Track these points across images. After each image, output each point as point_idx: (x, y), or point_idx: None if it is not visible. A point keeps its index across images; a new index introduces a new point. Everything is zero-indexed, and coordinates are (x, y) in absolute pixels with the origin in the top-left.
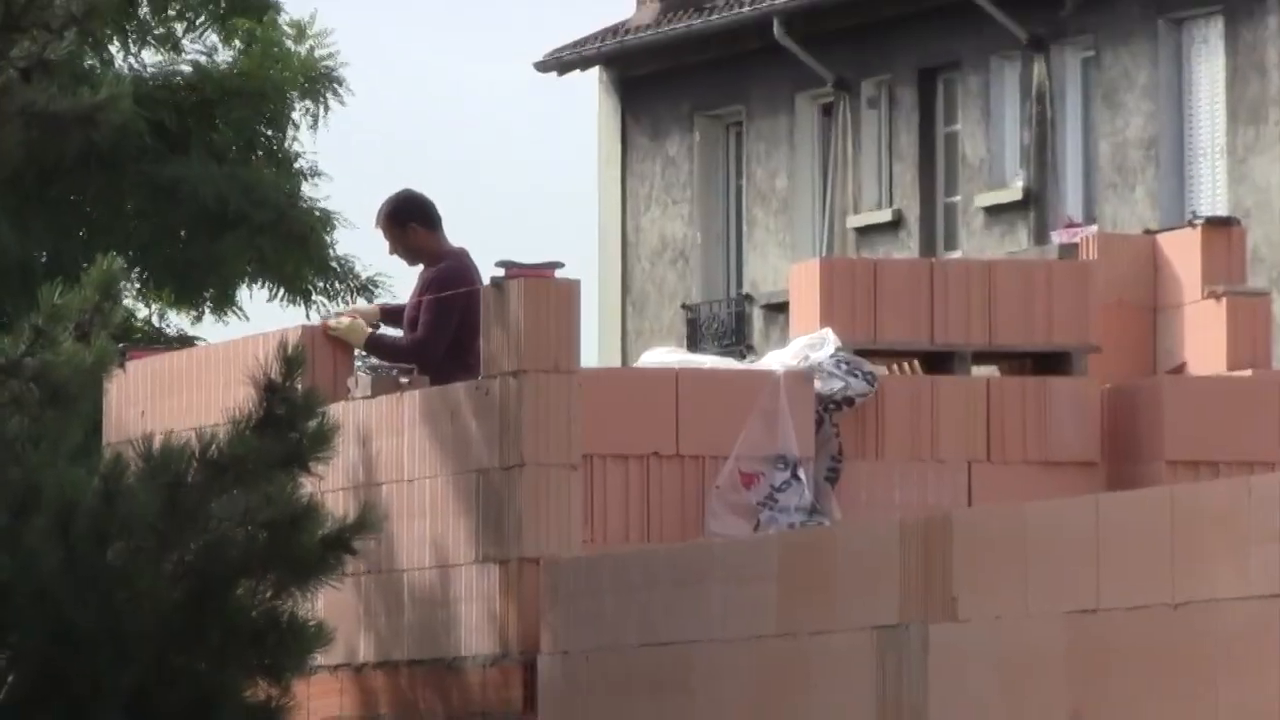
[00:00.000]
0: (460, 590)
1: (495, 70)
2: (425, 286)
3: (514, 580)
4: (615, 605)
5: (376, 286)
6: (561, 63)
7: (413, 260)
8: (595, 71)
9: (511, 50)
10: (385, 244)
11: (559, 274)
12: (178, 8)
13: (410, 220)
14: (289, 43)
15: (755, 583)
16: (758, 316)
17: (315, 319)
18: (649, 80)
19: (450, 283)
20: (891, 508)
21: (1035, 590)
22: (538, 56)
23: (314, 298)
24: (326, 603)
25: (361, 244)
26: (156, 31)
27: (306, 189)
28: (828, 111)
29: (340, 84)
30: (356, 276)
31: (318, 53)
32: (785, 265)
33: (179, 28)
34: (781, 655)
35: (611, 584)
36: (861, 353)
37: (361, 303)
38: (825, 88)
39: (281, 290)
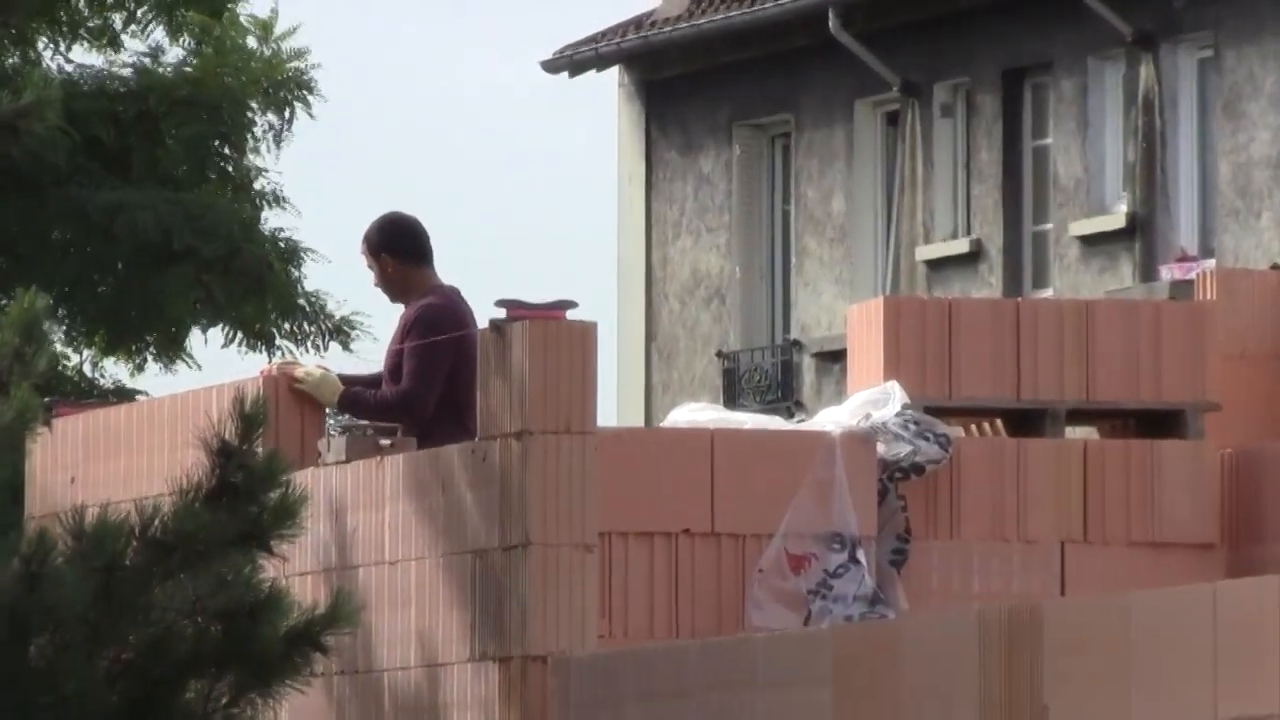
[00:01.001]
0: (452, 694)
1: (494, 71)
2: (407, 328)
3: (516, 683)
4: (638, 714)
5: (352, 329)
6: (574, 62)
7: (394, 296)
8: (614, 72)
9: (514, 46)
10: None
11: (571, 315)
12: None
13: (391, 249)
14: (250, 41)
15: (806, 687)
16: (808, 367)
17: (274, 364)
18: (678, 83)
19: (437, 323)
20: (969, 597)
21: (1141, 699)
22: (546, 54)
23: (278, 342)
24: (292, 709)
25: (334, 279)
26: (91, 23)
27: (268, 217)
28: (893, 121)
29: (310, 90)
30: (329, 317)
31: (284, 52)
32: (842, 305)
33: (118, 19)
34: None
35: (633, 688)
36: (933, 411)
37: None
38: (890, 93)
39: (239, 335)
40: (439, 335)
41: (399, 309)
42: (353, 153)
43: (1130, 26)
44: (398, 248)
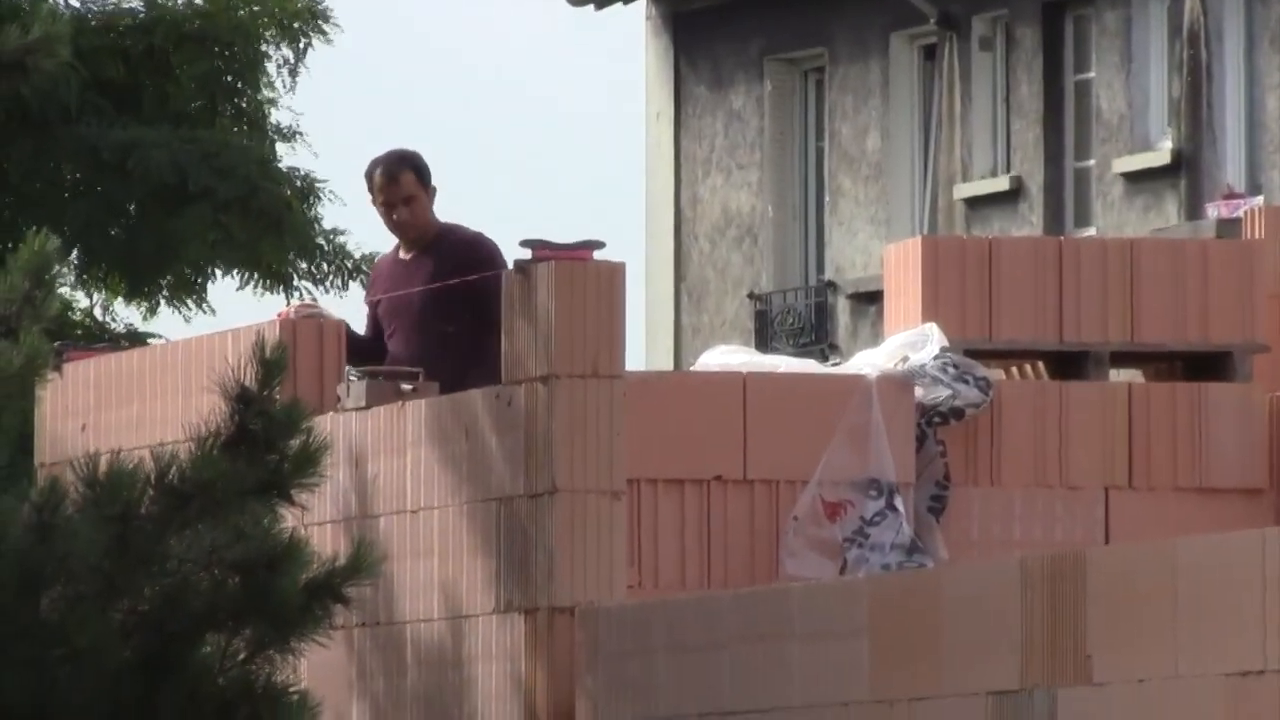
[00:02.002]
0: (476, 647)
1: (517, 4)
2: (476, 265)
3: (543, 635)
4: (668, 666)
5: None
6: None
7: (423, 232)
8: (641, 4)
9: None
10: (379, 208)
11: (598, 255)
12: None
13: (425, 181)
14: None
15: (842, 638)
16: (843, 309)
17: (293, 306)
18: (708, 16)
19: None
20: (1010, 545)
21: (1188, 647)
22: None
23: (296, 284)
24: (312, 664)
25: (351, 219)
26: None
27: (283, 154)
28: (930, 55)
29: (325, 21)
30: (349, 255)
31: None
32: (878, 245)
33: None
34: None
35: (664, 640)
36: (973, 353)
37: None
38: (927, 25)
39: (254, 277)
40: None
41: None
42: (369, 89)
43: None
44: (426, 178)
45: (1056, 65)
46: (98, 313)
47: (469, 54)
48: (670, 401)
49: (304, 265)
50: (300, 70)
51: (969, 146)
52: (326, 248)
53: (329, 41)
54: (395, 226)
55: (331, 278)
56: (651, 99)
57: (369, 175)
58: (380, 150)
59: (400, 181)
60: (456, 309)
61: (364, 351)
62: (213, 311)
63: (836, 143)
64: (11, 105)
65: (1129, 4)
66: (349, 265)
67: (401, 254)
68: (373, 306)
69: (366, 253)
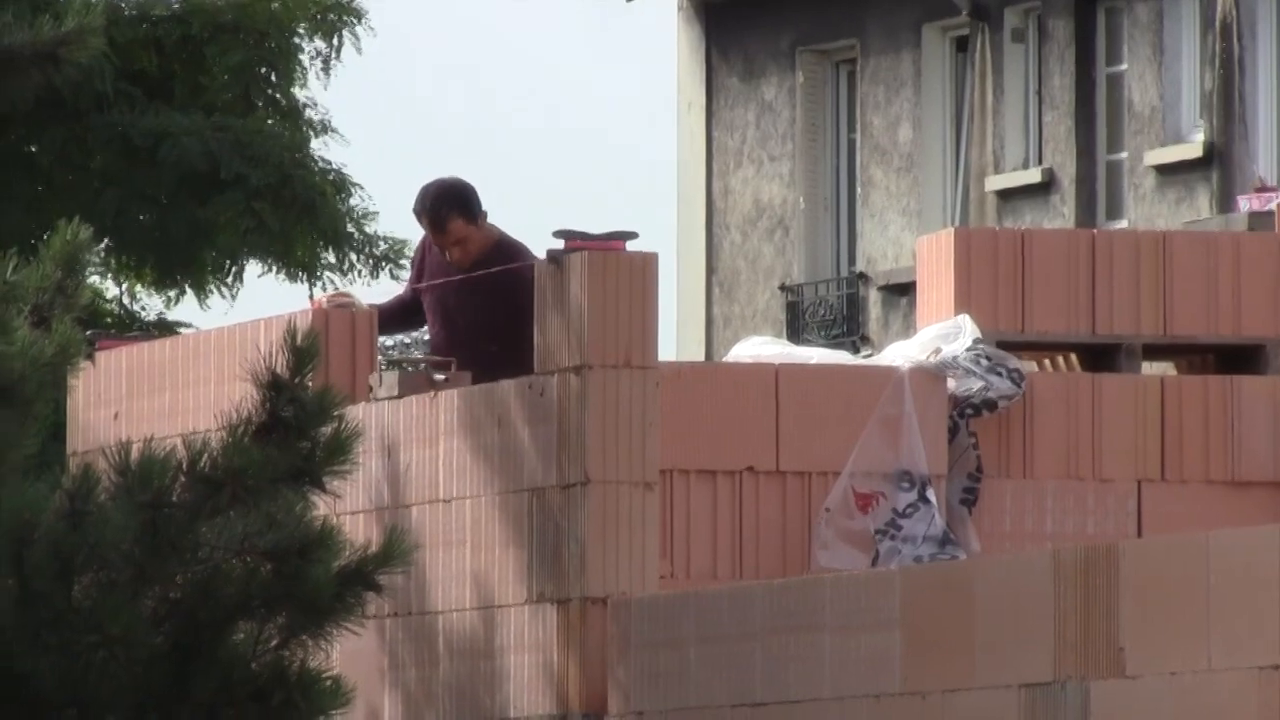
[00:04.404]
0: (508, 638)
1: None
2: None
3: (575, 625)
4: (700, 657)
5: (399, 258)
6: None
7: (463, 265)
8: None
9: None
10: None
11: (631, 246)
12: None
13: (472, 215)
14: None
15: (874, 630)
16: (875, 300)
17: (325, 295)
18: (740, 6)
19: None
20: (1043, 537)
21: (1220, 640)
22: None
23: (320, 274)
24: (344, 654)
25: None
26: None
27: (315, 147)
28: (962, 47)
29: (359, 20)
30: (376, 245)
31: None
32: (910, 237)
33: None
34: (907, 719)
35: (696, 631)
36: (1006, 345)
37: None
38: (959, 17)
39: (277, 266)
40: None
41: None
42: (399, 79)
43: None
44: (465, 207)
45: (1089, 57)
46: (125, 300)
47: (500, 44)
48: (703, 392)
49: (329, 256)
50: (334, 65)
51: (1001, 138)
52: (357, 236)
53: (359, 51)
54: (452, 262)
55: (360, 269)
56: (683, 90)
57: (417, 215)
58: (414, 147)
59: (448, 230)
60: (499, 328)
61: (394, 318)
62: (233, 298)
63: (868, 134)
64: (44, 94)
65: None
66: (375, 255)
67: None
68: (414, 287)
69: (394, 242)
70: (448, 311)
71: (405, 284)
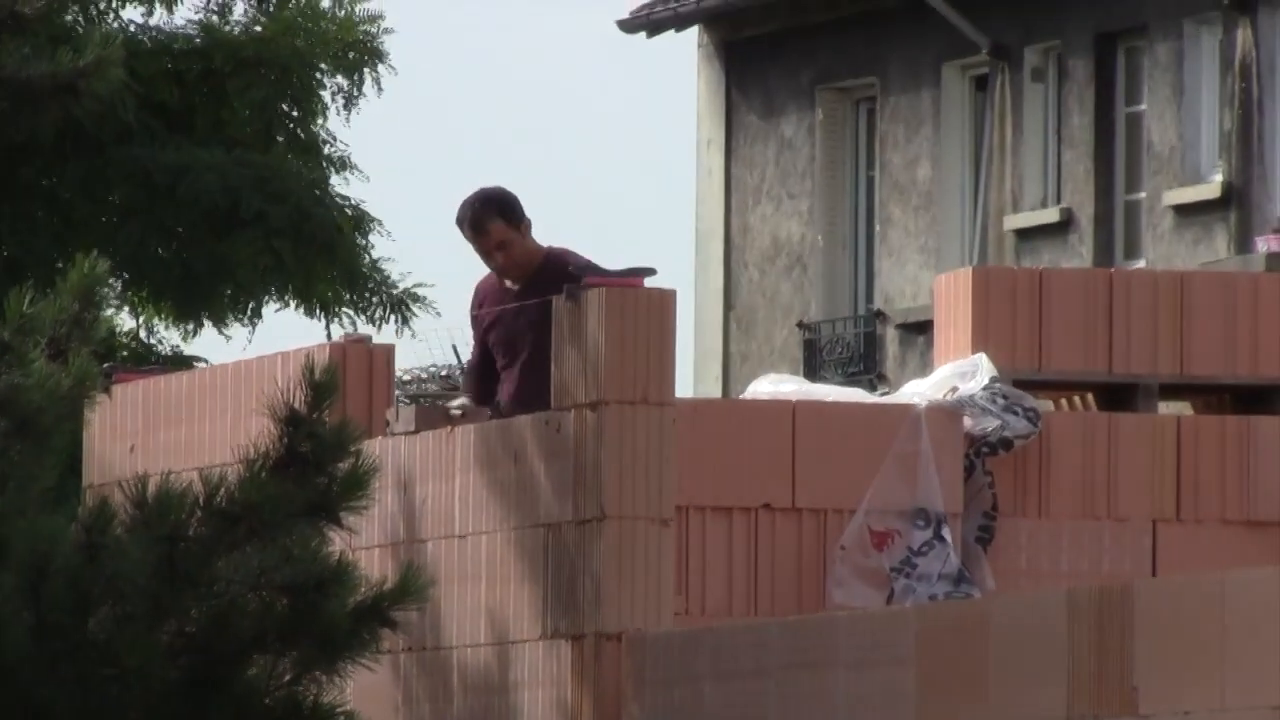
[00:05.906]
0: (523, 673)
1: (569, 30)
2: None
3: (590, 661)
4: (715, 694)
5: (415, 301)
6: (652, 21)
7: (509, 274)
8: (693, 32)
9: (589, 5)
10: (479, 251)
11: (649, 283)
12: None
13: (514, 220)
14: (323, 0)
15: (888, 668)
16: (892, 338)
17: (344, 335)
18: (760, 44)
19: None
20: (1058, 576)
21: (1234, 680)
22: (622, 13)
23: (337, 311)
24: (358, 687)
25: (396, 250)
26: None
27: (336, 184)
28: (982, 86)
29: (382, 60)
30: (393, 287)
31: (357, 15)
32: (928, 275)
33: None
34: None
35: (711, 667)
36: (1022, 384)
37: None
38: (979, 55)
39: (294, 302)
40: None
41: (468, 282)
42: (420, 117)
43: None
44: (511, 213)
45: (1108, 97)
46: (142, 334)
47: (521, 81)
48: (720, 429)
49: (347, 295)
50: (355, 102)
51: (1020, 177)
52: (375, 277)
53: (380, 88)
54: (496, 270)
55: (376, 309)
56: (702, 126)
57: (459, 224)
58: (436, 183)
59: (489, 232)
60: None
61: (488, 381)
62: (251, 333)
63: (887, 172)
64: (65, 126)
65: (1181, 37)
66: (392, 297)
67: (508, 282)
68: (482, 334)
69: (409, 286)
70: (513, 340)
71: (471, 346)
